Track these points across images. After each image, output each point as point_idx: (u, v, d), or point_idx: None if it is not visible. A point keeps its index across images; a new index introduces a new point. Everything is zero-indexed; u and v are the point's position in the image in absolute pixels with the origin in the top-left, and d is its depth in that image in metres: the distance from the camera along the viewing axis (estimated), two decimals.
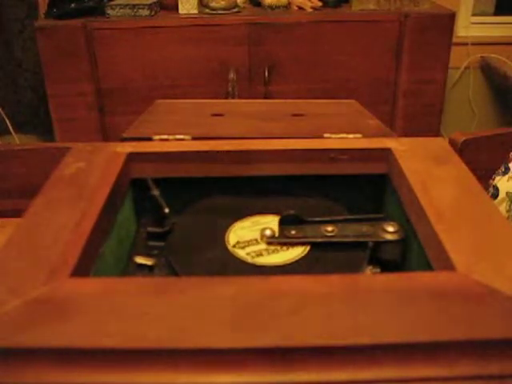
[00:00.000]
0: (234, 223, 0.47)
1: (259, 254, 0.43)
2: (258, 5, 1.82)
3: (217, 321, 0.29)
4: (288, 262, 0.43)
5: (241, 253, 0.44)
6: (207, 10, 1.73)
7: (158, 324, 0.29)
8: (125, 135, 0.56)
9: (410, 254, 0.45)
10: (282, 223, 0.46)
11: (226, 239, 0.45)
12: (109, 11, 1.70)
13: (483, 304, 0.31)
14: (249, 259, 0.43)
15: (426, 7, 1.79)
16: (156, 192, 0.49)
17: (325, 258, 0.43)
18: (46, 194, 0.43)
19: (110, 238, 0.43)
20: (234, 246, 0.44)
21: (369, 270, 0.43)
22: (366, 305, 0.31)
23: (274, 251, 0.44)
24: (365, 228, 0.45)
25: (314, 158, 0.51)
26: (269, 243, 0.44)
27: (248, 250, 0.44)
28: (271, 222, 0.47)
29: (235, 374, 0.28)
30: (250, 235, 0.46)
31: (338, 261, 0.43)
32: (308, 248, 0.44)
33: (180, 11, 1.73)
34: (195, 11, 1.73)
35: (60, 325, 0.29)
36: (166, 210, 0.47)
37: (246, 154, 0.51)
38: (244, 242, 0.45)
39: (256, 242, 0.45)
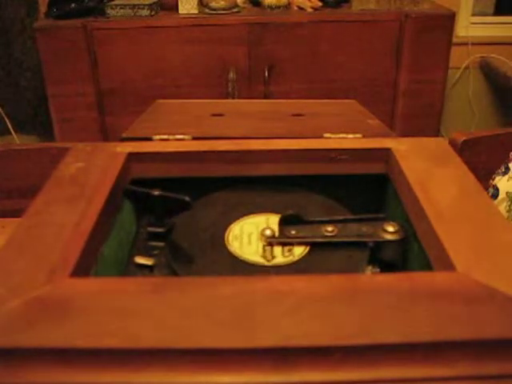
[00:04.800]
0: (234, 223, 0.47)
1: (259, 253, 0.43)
2: (258, 5, 1.82)
3: (217, 321, 0.29)
4: (288, 262, 0.43)
5: (231, 241, 0.44)
6: (207, 10, 1.73)
7: (158, 324, 0.29)
8: (125, 135, 0.56)
9: (410, 254, 0.45)
10: (282, 223, 0.46)
11: (226, 239, 0.45)
12: (109, 11, 1.70)
13: (483, 304, 0.31)
14: (232, 249, 0.43)
15: (425, 7, 1.79)
16: (157, 192, 0.49)
17: (325, 257, 0.43)
18: (46, 193, 0.43)
19: (109, 237, 0.43)
20: (231, 241, 0.44)
21: (369, 269, 0.43)
22: (366, 305, 0.31)
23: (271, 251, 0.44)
24: (365, 228, 0.45)
25: (314, 158, 0.51)
26: (269, 243, 0.44)
27: (243, 246, 0.44)
28: (271, 222, 0.47)
29: (235, 374, 0.28)
30: (256, 230, 0.46)
31: (338, 261, 0.43)
32: (308, 248, 0.44)
33: (180, 11, 1.73)
34: (195, 11, 1.73)
35: (60, 325, 0.29)
36: (187, 199, 0.45)
37: (246, 154, 0.51)
38: (244, 234, 0.45)
39: (255, 237, 0.45)
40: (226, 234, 0.45)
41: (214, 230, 0.47)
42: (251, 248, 0.44)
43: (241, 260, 0.43)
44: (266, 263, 0.42)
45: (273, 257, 0.43)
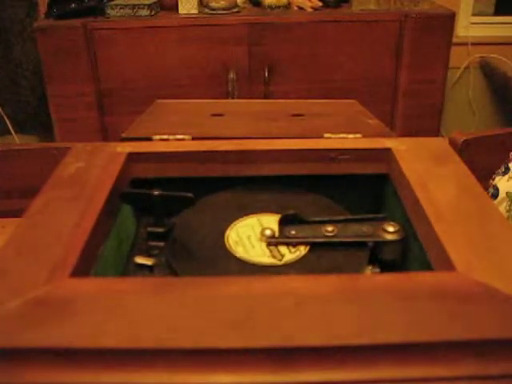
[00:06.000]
0: (234, 223, 0.47)
1: (259, 254, 0.43)
2: (258, 5, 1.82)
3: (217, 321, 0.29)
4: (288, 262, 0.43)
5: (234, 247, 0.44)
6: (207, 10, 1.73)
7: (158, 324, 0.29)
8: (125, 135, 0.56)
9: (410, 253, 0.45)
10: (281, 223, 0.46)
11: (226, 239, 0.45)
12: (109, 11, 1.70)
13: (483, 304, 0.31)
14: (239, 254, 0.43)
15: (425, 7, 1.79)
16: (157, 192, 0.49)
17: (325, 257, 0.43)
18: (46, 193, 0.43)
19: (109, 238, 0.43)
20: (233, 246, 0.44)
21: (369, 270, 0.43)
22: (366, 305, 0.31)
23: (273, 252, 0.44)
24: (365, 228, 0.45)
25: (314, 158, 0.51)
26: (269, 243, 0.44)
27: (248, 249, 0.44)
28: (271, 222, 0.47)
29: (235, 373, 0.28)
30: (253, 232, 0.46)
31: (338, 261, 0.43)
32: (308, 248, 0.44)
33: (180, 11, 1.73)
34: (195, 11, 1.73)
35: (60, 325, 0.29)
36: (190, 195, 0.45)
37: (246, 153, 0.51)
38: (242, 238, 0.45)
39: (255, 239, 0.45)
40: (226, 241, 0.45)
41: (215, 233, 0.46)
42: (256, 250, 0.44)
43: (252, 264, 0.42)
44: (279, 263, 0.42)
45: (282, 255, 0.43)
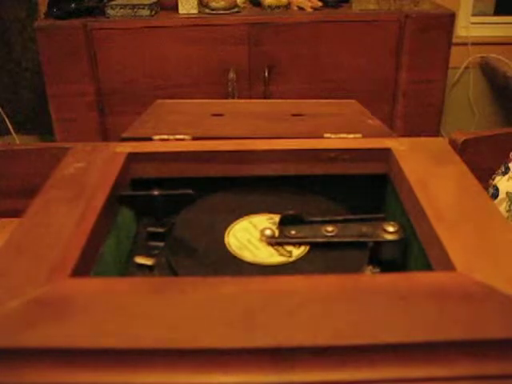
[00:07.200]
0: (234, 223, 0.47)
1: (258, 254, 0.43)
2: (258, 5, 1.82)
3: (216, 321, 0.29)
4: (299, 257, 0.43)
5: (240, 252, 0.44)
6: (207, 10, 1.73)
7: (158, 324, 0.29)
8: (125, 135, 0.56)
9: (410, 253, 0.45)
10: (281, 223, 0.46)
11: (225, 239, 0.45)
12: (109, 11, 1.70)
13: (483, 304, 0.31)
14: (248, 259, 0.43)
15: (426, 7, 1.79)
16: (157, 192, 0.49)
17: (325, 258, 0.43)
18: (46, 193, 0.43)
19: (109, 237, 0.43)
20: (239, 252, 0.44)
21: (369, 270, 0.43)
22: (366, 305, 0.31)
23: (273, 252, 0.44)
24: (365, 228, 0.45)
25: (314, 158, 0.51)
26: (269, 243, 0.44)
27: (255, 253, 0.44)
28: (262, 222, 0.47)
29: (235, 373, 0.28)
30: (250, 235, 0.46)
31: (338, 261, 0.43)
32: (308, 248, 0.44)
33: (180, 11, 1.73)
34: (195, 11, 1.73)
35: (60, 325, 0.29)
36: (190, 191, 0.45)
37: (246, 154, 0.51)
38: (244, 242, 0.45)
39: (256, 241, 0.45)
40: (229, 248, 0.45)
41: (213, 229, 0.46)
42: (263, 252, 0.44)
43: (265, 266, 0.42)
44: (290, 259, 0.42)
45: (289, 252, 0.43)
